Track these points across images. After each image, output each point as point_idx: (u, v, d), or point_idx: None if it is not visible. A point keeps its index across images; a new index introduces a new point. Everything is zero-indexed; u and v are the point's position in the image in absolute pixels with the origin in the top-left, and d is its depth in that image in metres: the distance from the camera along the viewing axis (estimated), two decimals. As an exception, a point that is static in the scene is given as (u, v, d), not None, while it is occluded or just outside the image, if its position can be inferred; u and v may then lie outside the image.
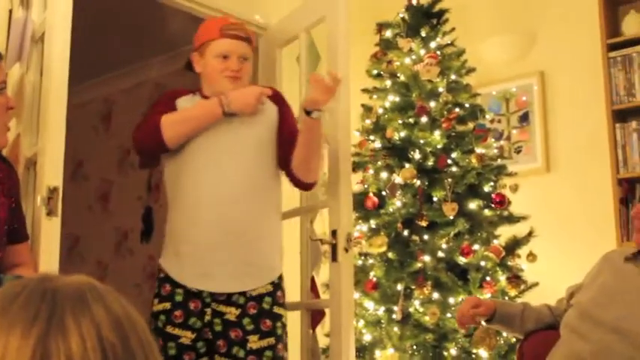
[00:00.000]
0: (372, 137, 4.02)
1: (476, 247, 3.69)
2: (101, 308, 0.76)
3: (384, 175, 3.90)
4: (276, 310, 2.70)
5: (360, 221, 3.89)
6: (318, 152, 2.83)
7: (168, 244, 2.75)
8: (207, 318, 2.62)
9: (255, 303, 2.65)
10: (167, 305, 2.63)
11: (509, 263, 3.74)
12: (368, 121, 4.08)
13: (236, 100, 2.67)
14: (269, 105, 2.83)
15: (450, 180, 3.74)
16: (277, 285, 2.73)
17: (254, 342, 2.60)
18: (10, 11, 2.94)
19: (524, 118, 4.62)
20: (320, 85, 2.67)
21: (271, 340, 2.63)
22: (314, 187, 2.96)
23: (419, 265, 3.66)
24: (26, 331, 0.72)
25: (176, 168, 2.73)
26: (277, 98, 2.89)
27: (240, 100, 2.67)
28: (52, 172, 2.41)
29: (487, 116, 4.13)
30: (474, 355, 3.52)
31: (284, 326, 2.72)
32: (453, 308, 3.57)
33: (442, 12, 4.18)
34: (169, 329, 2.59)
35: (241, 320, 2.61)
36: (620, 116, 4.15)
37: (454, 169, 3.81)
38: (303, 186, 2.92)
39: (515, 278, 3.67)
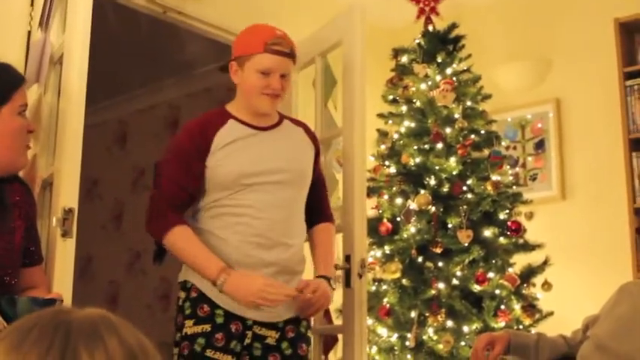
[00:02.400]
0: (387, 162, 4.02)
1: (491, 274, 3.66)
2: (115, 341, 0.76)
3: (398, 200, 3.89)
4: (309, 334, 2.69)
5: (374, 247, 3.87)
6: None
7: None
8: (247, 341, 2.53)
9: (293, 326, 2.61)
10: (207, 327, 2.49)
11: (524, 292, 3.71)
12: (383, 147, 4.07)
13: (234, 289, 2.47)
14: (305, 137, 2.78)
15: (465, 207, 3.73)
16: None
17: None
18: (29, 33, 2.97)
19: (540, 145, 4.61)
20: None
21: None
22: None
23: (433, 292, 3.63)
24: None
25: (220, 189, 2.59)
26: (312, 133, 2.85)
27: (240, 293, 2.47)
28: (67, 194, 2.41)
29: (503, 143, 4.12)
30: (487, 385, 3.48)
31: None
32: (467, 336, 3.54)
33: (458, 38, 4.18)
34: (209, 353, 2.46)
35: (280, 344, 2.57)
36: (637, 145, 4.12)
37: (469, 195, 3.79)
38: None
39: (530, 307, 3.64)
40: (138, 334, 0.80)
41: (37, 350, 0.73)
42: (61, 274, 2.35)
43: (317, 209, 2.80)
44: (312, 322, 2.74)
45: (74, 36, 2.54)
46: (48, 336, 0.75)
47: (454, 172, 3.82)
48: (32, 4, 2.99)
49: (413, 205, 3.80)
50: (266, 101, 2.61)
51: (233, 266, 2.51)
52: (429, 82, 4.02)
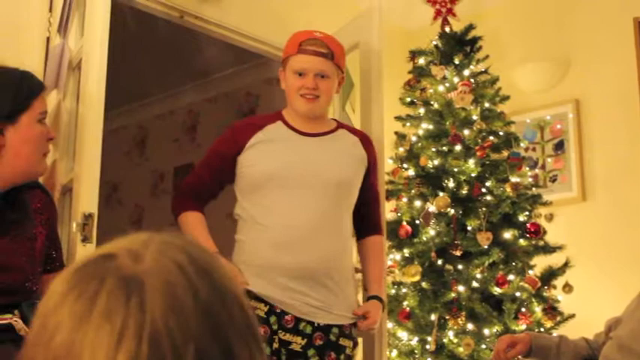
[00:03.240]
0: (405, 165, 4.00)
1: (511, 277, 3.64)
2: (192, 303, 0.67)
3: (417, 203, 3.87)
4: (342, 341, 2.64)
5: (393, 250, 3.86)
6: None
7: (246, 263, 2.61)
8: (275, 346, 2.52)
9: (322, 334, 2.59)
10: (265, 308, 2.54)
11: (544, 294, 3.69)
12: (401, 149, 4.06)
13: (237, 275, 2.52)
14: (358, 147, 2.78)
15: (484, 209, 3.71)
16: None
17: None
18: (48, 39, 2.98)
19: (560, 146, 4.58)
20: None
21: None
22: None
23: (453, 295, 3.62)
24: (114, 347, 0.63)
25: (258, 189, 2.63)
26: (369, 144, 2.84)
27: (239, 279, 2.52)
28: (87, 199, 2.42)
29: (522, 144, 4.10)
30: (508, 388, 3.46)
31: (348, 357, 2.66)
32: (487, 339, 3.52)
33: (475, 39, 4.16)
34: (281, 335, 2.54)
35: (306, 351, 2.55)
36: (658, 145, 4.09)
37: (488, 197, 3.77)
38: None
39: (551, 309, 3.62)
40: (210, 263, 0.72)
41: (109, 328, 0.64)
42: (81, 279, 2.35)
43: (366, 221, 2.82)
44: (347, 329, 2.68)
45: (92, 41, 2.55)
46: (120, 306, 0.65)
47: (473, 174, 3.81)
48: (50, 10, 3.01)
49: (432, 207, 3.79)
50: (302, 102, 2.65)
51: (247, 265, 2.56)
52: (447, 84, 4.01)
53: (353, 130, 2.87)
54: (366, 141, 2.83)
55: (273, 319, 2.53)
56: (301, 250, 2.55)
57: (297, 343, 2.55)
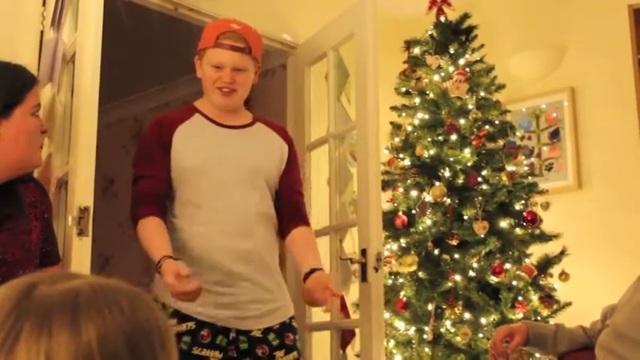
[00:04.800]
0: (401, 155, 4.01)
1: (507, 266, 3.65)
2: (65, 332, 0.66)
3: (413, 193, 3.88)
4: (294, 324, 2.64)
5: (389, 240, 3.87)
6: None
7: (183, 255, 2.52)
8: (233, 335, 2.50)
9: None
10: (191, 324, 2.46)
11: (541, 282, 3.70)
12: (397, 139, 4.06)
13: (169, 282, 2.31)
14: (277, 139, 2.74)
15: (480, 198, 3.71)
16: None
17: (281, 357, 2.54)
18: (42, 33, 2.98)
19: (555, 134, 4.58)
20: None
21: (295, 355, 2.58)
22: None
23: (450, 284, 3.62)
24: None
25: (183, 189, 2.59)
26: (288, 138, 2.80)
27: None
28: (82, 192, 2.42)
29: (517, 133, 4.10)
30: (506, 376, 3.47)
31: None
32: (484, 328, 3.53)
33: (471, 28, 4.16)
34: (196, 351, 2.44)
35: (266, 336, 2.54)
36: (653, 132, 4.09)
37: (484, 186, 3.78)
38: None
39: (548, 298, 3.63)
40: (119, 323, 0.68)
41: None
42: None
43: (291, 211, 2.71)
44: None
45: (86, 34, 2.55)
46: (3, 310, 0.68)
47: (469, 164, 3.81)
48: (44, 4, 3.00)
49: (428, 197, 3.79)
50: (218, 95, 2.63)
51: (197, 256, 2.49)
52: (442, 74, 4.01)
53: (270, 124, 2.81)
54: (283, 134, 2.79)
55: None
56: (240, 237, 2.53)
57: (258, 329, 2.53)
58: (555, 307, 3.65)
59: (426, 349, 3.62)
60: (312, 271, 2.50)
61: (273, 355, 2.53)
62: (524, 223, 3.76)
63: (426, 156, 3.89)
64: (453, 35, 4.13)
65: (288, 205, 2.70)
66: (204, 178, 2.55)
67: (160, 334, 0.71)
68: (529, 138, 4.64)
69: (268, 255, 2.60)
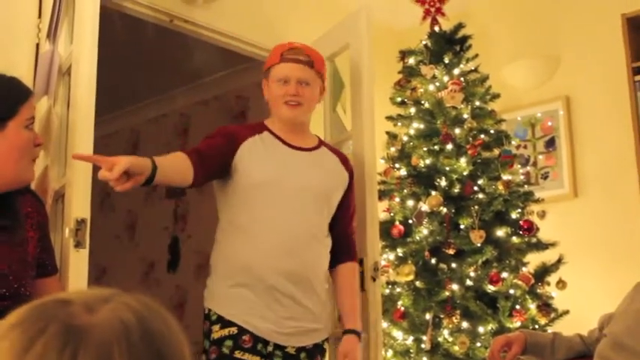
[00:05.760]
0: (397, 165, 4.01)
1: (504, 274, 3.65)
2: None
3: (410, 202, 3.88)
4: (325, 345, 2.78)
5: (386, 250, 3.87)
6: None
7: (224, 281, 2.65)
8: (270, 349, 2.60)
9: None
10: (234, 330, 2.56)
11: (538, 291, 3.70)
12: (393, 149, 4.06)
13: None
14: (339, 166, 2.85)
15: (476, 207, 3.72)
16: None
17: None
18: (37, 45, 2.98)
19: (551, 143, 4.59)
20: None
21: None
22: None
23: (447, 293, 3.62)
24: None
25: (244, 200, 2.66)
26: (349, 168, 2.91)
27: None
28: (79, 204, 2.42)
29: (513, 142, 4.11)
30: (504, 385, 3.47)
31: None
32: (482, 337, 3.53)
33: (465, 38, 4.17)
34: (238, 354, 2.54)
35: (299, 354, 2.64)
36: (648, 140, 4.10)
37: (480, 196, 3.78)
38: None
39: (546, 306, 3.63)
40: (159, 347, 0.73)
41: None
42: (75, 284, 2.35)
43: (343, 245, 2.85)
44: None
45: (82, 47, 2.55)
46: (54, 353, 0.67)
47: (465, 173, 3.82)
48: (40, 16, 3.01)
49: (424, 206, 3.79)
50: (286, 109, 2.72)
51: (245, 269, 2.59)
52: (437, 83, 4.01)
53: (333, 150, 2.94)
54: (345, 161, 2.91)
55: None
56: (291, 256, 2.61)
57: (292, 346, 2.64)
58: (553, 315, 3.65)
59: (424, 359, 3.61)
60: (346, 332, 2.74)
61: None
62: (521, 232, 3.76)
63: (422, 165, 3.90)
64: (448, 45, 4.14)
65: (341, 239, 2.82)
66: (268, 195, 2.62)
67: None
68: (525, 147, 4.65)
69: (316, 277, 2.69)
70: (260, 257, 2.59)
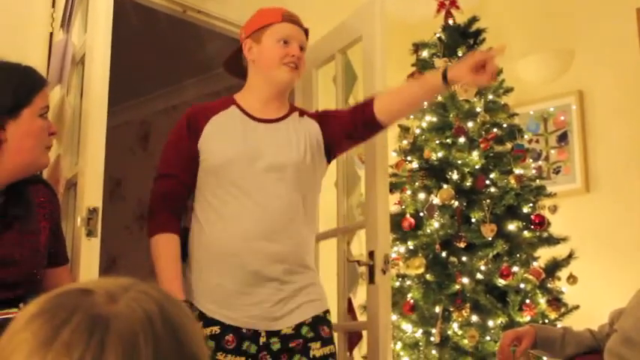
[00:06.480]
0: (409, 158, 4.01)
1: (515, 269, 3.65)
2: (150, 357, 0.68)
3: (421, 195, 3.87)
4: (329, 317, 2.51)
5: (397, 242, 3.87)
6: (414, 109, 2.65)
7: (202, 272, 2.44)
8: (263, 340, 2.37)
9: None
10: (216, 329, 2.35)
11: (549, 286, 3.69)
12: (405, 142, 4.06)
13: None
14: (308, 124, 2.60)
15: (488, 201, 3.71)
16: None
17: (317, 349, 2.39)
18: (51, 34, 2.99)
19: (563, 137, 4.57)
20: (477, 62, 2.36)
21: (332, 348, 2.44)
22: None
23: (457, 287, 3.62)
24: None
25: (208, 185, 2.47)
26: (314, 113, 2.72)
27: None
28: (91, 193, 2.43)
29: (525, 136, 4.10)
30: (513, 379, 3.46)
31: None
32: (492, 331, 3.53)
33: (479, 31, 4.16)
34: (220, 357, 2.32)
35: (299, 331, 2.39)
36: (662, 136, 4.08)
37: (492, 189, 3.78)
38: (376, 128, 2.61)
39: (556, 301, 3.62)
40: (182, 338, 0.72)
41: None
42: (86, 273, 2.37)
43: (359, 107, 2.61)
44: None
45: (96, 36, 2.56)
46: (82, 341, 0.67)
47: (477, 166, 3.81)
48: (53, 6, 3.02)
49: (436, 200, 3.79)
50: (286, 71, 2.50)
51: (222, 257, 2.39)
52: (450, 77, 4.00)
53: (301, 112, 2.68)
54: (312, 115, 2.68)
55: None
56: (270, 239, 2.40)
57: (289, 327, 2.41)
58: (563, 310, 3.64)
59: (434, 352, 3.62)
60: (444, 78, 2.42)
61: (308, 346, 2.39)
62: (532, 226, 3.76)
63: (434, 159, 3.89)
64: (462, 38, 4.13)
65: (352, 114, 2.59)
66: (231, 176, 2.42)
67: None
68: (537, 141, 4.64)
69: (300, 254, 2.45)
70: (236, 242, 2.37)
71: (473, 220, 3.75)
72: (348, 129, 2.59)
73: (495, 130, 3.91)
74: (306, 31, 2.61)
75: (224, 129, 2.49)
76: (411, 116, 4.10)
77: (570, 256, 3.77)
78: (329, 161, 2.69)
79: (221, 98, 2.67)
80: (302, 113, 2.66)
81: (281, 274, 2.41)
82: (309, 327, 2.42)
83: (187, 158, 2.48)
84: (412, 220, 3.83)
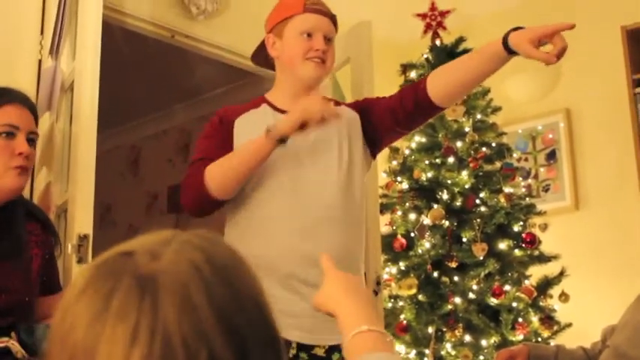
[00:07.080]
0: (399, 178, 4.01)
1: (507, 287, 3.65)
2: (206, 304, 0.68)
3: (412, 216, 3.88)
4: None
5: (389, 263, 3.86)
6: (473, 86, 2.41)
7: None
8: (293, 352, 2.13)
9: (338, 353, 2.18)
10: None
11: (541, 304, 3.69)
12: (395, 162, 4.07)
13: (287, 117, 2.15)
14: (346, 110, 2.37)
15: (478, 220, 3.72)
16: None
17: None
18: (40, 61, 2.99)
19: (552, 155, 4.60)
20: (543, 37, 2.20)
21: None
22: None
23: (450, 307, 3.62)
24: (128, 347, 0.65)
25: (246, 196, 2.25)
26: (354, 104, 2.50)
27: (287, 118, 2.14)
28: (82, 220, 2.42)
29: (514, 155, 4.12)
30: (508, 399, 3.45)
31: None
32: (485, 351, 3.52)
33: (466, 51, 4.17)
34: None
35: (330, 355, 2.16)
36: (650, 152, 4.10)
37: (482, 209, 3.79)
38: (431, 111, 2.38)
39: (548, 319, 3.62)
40: (235, 281, 0.72)
41: (123, 328, 0.66)
42: (77, 299, 2.35)
43: (410, 89, 2.40)
44: None
45: (84, 62, 2.56)
46: (134, 306, 0.66)
47: (466, 186, 3.82)
48: (42, 33, 3.02)
49: (426, 220, 3.80)
50: (311, 67, 2.28)
51: (255, 258, 2.14)
52: (438, 97, 4.02)
53: (336, 102, 2.47)
54: (350, 105, 2.48)
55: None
56: (306, 239, 2.16)
57: (321, 346, 2.16)
58: (556, 328, 3.64)
59: (427, 373, 3.61)
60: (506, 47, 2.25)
61: None
62: (523, 245, 3.76)
63: (424, 179, 3.90)
64: (449, 58, 4.13)
65: (401, 98, 2.38)
66: (265, 174, 2.22)
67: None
68: (526, 159, 4.66)
69: (342, 257, 2.13)
70: (268, 244, 2.16)
71: (464, 239, 3.76)
72: (397, 116, 2.35)
73: (484, 149, 3.92)
74: (333, 18, 2.36)
75: (256, 124, 2.26)
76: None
77: (562, 273, 3.78)
78: (374, 154, 2.46)
79: (251, 99, 2.46)
80: (337, 103, 2.46)
81: (320, 278, 2.09)
82: (340, 354, 2.14)
83: (221, 148, 2.26)
84: (403, 241, 3.83)
